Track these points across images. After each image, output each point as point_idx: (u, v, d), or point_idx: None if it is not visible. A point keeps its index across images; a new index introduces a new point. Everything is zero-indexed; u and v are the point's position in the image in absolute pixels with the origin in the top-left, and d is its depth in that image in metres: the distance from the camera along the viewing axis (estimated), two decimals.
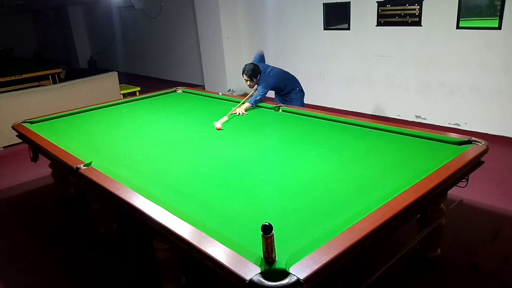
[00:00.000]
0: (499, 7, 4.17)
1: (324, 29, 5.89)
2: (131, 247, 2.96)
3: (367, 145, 2.61)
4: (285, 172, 2.32)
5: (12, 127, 3.51)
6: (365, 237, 1.56)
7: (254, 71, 3.81)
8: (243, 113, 3.54)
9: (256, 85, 3.88)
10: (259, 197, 2.04)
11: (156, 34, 9.30)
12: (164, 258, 2.05)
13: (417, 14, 4.82)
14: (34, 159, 3.48)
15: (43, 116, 3.72)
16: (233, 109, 3.57)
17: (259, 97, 3.73)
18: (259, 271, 1.39)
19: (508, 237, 2.81)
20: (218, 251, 1.52)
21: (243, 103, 3.68)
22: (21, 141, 3.58)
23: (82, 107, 4.01)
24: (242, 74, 3.86)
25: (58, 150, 2.80)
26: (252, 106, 3.66)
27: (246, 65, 3.87)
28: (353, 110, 5.80)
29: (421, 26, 4.83)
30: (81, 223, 3.40)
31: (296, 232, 1.69)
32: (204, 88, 7.77)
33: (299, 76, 4.27)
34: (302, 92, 4.17)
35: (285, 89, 4.07)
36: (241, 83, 7.43)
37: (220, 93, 4.40)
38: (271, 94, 4.38)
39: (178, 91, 4.61)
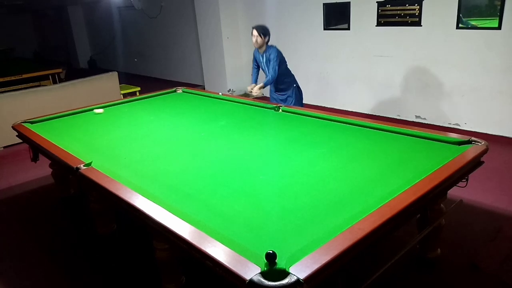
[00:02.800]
0: (499, 7, 4.17)
1: (324, 29, 5.89)
2: (131, 247, 2.96)
3: (367, 145, 2.61)
4: (285, 172, 2.32)
5: (12, 127, 3.50)
6: (365, 237, 1.56)
7: (265, 28, 3.97)
8: (256, 92, 3.86)
9: (263, 47, 4.02)
10: (259, 197, 2.03)
11: (156, 34, 9.29)
12: (164, 258, 2.05)
13: (417, 14, 4.82)
14: (34, 159, 3.48)
15: (43, 116, 3.71)
16: (249, 88, 3.91)
17: (271, 76, 3.93)
18: (259, 271, 1.39)
19: (508, 237, 2.81)
20: (218, 251, 1.52)
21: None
22: (21, 141, 3.57)
23: (82, 107, 4.01)
24: (252, 31, 3.99)
25: (58, 150, 2.80)
26: (264, 87, 3.95)
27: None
28: (353, 110, 5.80)
29: (421, 26, 4.83)
30: (81, 223, 3.40)
31: (296, 232, 1.69)
32: (204, 88, 7.76)
33: (299, 76, 4.28)
34: (300, 90, 4.21)
35: (285, 80, 4.12)
36: (241, 83, 7.43)
37: (220, 93, 4.39)
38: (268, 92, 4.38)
39: (178, 91, 4.61)
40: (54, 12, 12.53)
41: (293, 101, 4.12)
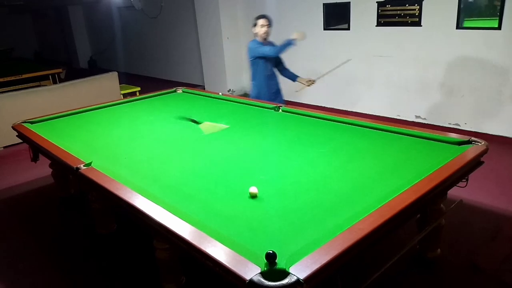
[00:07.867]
0: (499, 7, 4.17)
1: (324, 29, 5.89)
2: (131, 247, 2.96)
3: (367, 145, 2.61)
4: (285, 172, 2.32)
5: (12, 127, 3.50)
6: (365, 237, 1.56)
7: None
8: (312, 81, 3.91)
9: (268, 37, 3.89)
10: (259, 197, 2.03)
11: (156, 34, 9.29)
12: (164, 258, 2.05)
13: (417, 14, 4.82)
14: (34, 159, 3.48)
15: (43, 116, 3.71)
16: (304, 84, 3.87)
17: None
18: (259, 271, 1.39)
19: (508, 237, 2.81)
20: (218, 251, 1.53)
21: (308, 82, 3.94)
22: (21, 141, 3.57)
23: (82, 107, 4.01)
24: (260, 20, 3.75)
25: (58, 150, 2.80)
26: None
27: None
28: (353, 110, 5.80)
29: (421, 26, 4.82)
30: (81, 223, 3.40)
31: (296, 232, 1.69)
32: (204, 88, 7.76)
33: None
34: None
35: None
36: (241, 83, 7.43)
37: (220, 93, 4.40)
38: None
39: (178, 91, 4.61)
40: (54, 12, 12.53)
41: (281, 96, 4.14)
